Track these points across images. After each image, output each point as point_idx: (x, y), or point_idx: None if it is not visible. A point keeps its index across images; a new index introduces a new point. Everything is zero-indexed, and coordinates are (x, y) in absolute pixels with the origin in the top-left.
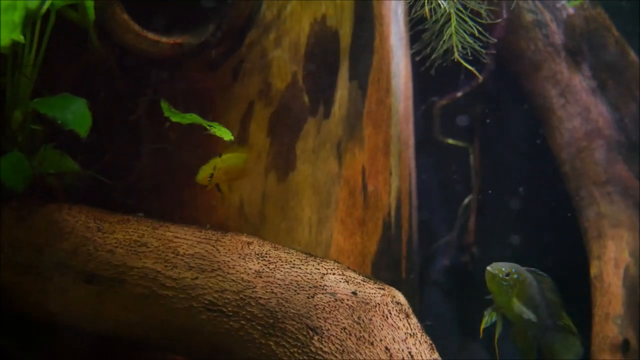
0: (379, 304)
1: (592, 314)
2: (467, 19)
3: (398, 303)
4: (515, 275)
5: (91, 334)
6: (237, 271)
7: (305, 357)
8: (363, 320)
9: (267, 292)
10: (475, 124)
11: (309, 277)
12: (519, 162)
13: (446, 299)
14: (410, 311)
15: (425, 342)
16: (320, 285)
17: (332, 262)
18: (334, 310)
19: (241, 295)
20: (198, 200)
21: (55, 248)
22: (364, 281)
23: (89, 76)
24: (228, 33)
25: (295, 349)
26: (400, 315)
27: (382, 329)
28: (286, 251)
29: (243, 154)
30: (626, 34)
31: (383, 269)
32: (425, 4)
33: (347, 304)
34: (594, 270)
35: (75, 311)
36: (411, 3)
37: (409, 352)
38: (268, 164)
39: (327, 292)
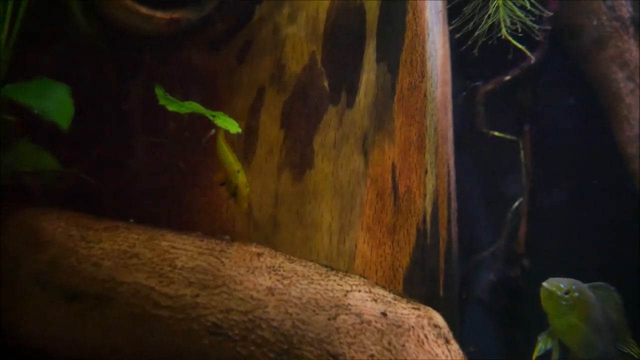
0: (413, 327)
1: None
2: None
3: (436, 326)
4: (576, 294)
5: None
6: (245, 287)
7: None
8: (394, 347)
9: (280, 312)
10: (525, 114)
11: (330, 294)
12: (577, 158)
13: (492, 321)
14: (450, 335)
15: None
16: (344, 305)
17: (357, 277)
18: (359, 334)
19: (250, 317)
20: (200, 204)
21: (31, 260)
22: (395, 300)
23: (72, 58)
24: (233, 7)
25: None
26: (439, 341)
27: (417, 356)
28: (303, 264)
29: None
30: None
31: (417, 284)
32: None
33: (375, 327)
34: None
35: (54, 334)
36: None
37: None
38: (281, 161)
39: (352, 313)
